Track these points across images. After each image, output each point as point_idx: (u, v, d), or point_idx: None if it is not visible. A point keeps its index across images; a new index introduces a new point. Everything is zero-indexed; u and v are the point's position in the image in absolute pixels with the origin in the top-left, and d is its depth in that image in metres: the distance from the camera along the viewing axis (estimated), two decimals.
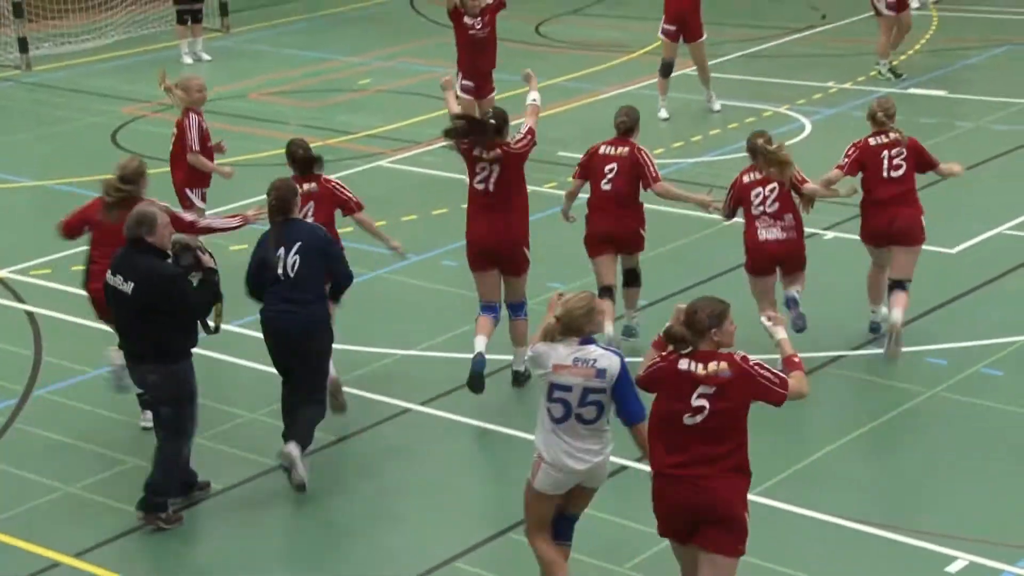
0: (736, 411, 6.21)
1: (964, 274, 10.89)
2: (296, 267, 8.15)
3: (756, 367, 6.26)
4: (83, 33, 20.40)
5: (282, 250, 8.20)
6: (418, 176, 14.01)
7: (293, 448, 8.13)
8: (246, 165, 14.53)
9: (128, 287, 7.61)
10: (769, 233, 9.46)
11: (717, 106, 15.39)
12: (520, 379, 9.56)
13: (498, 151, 9.20)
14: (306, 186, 9.32)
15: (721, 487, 6.17)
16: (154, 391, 7.87)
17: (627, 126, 9.91)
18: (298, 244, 8.18)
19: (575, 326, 6.59)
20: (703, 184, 13.12)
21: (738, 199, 9.62)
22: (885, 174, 9.62)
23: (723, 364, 6.23)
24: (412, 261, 11.74)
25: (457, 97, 11.34)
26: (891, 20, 16.24)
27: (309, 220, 8.97)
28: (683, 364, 6.27)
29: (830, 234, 11.79)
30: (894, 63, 16.48)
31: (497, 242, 9.24)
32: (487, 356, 9.17)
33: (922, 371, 9.36)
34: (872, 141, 9.76)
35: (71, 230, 9.06)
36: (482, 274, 9.40)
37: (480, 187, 9.29)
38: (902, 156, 9.64)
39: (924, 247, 9.84)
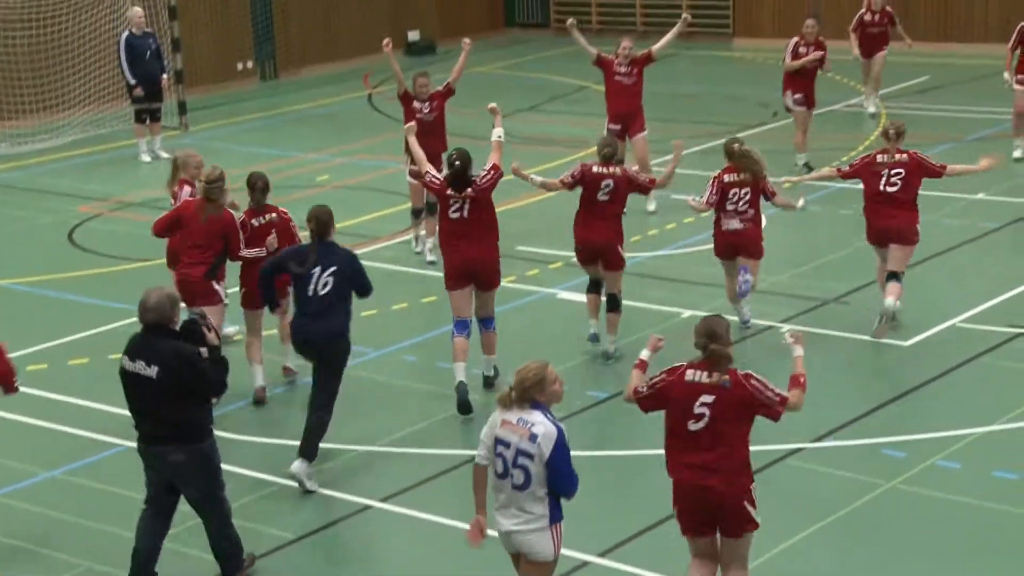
0: (736, 421, 7.06)
1: (919, 367, 11.00)
2: (328, 287, 9.43)
3: (756, 384, 7.12)
4: (40, 132, 20.44)
5: (317, 269, 9.48)
6: (377, 271, 14.00)
7: (298, 466, 9.37)
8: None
9: (152, 371, 7.81)
10: (730, 225, 11.55)
11: (652, 206, 15.54)
12: (490, 382, 10.93)
13: (469, 190, 10.58)
14: (267, 216, 11.06)
15: (728, 488, 7.05)
16: (178, 470, 7.98)
17: (611, 152, 11.43)
18: (333, 268, 9.49)
19: (527, 396, 6.87)
20: (666, 278, 13.24)
21: (720, 195, 11.44)
22: (881, 188, 11.54)
23: (726, 377, 7.06)
24: (372, 356, 11.75)
25: (412, 181, 13.17)
26: (803, 115, 16.81)
27: (274, 245, 10.80)
28: (689, 375, 7.15)
29: (786, 327, 11.90)
30: (808, 161, 16.79)
31: (474, 260, 10.52)
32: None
33: (879, 464, 9.43)
34: (879, 157, 11.69)
35: (162, 228, 10.84)
36: (459, 292, 10.62)
37: (455, 216, 10.66)
38: (900, 176, 11.53)
39: (880, 341, 10.70)
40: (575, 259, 11.88)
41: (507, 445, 6.81)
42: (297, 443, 9.51)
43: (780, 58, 17.43)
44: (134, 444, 8.16)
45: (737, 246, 11.59)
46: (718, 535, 7.25)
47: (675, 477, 7.23)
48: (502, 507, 6.91)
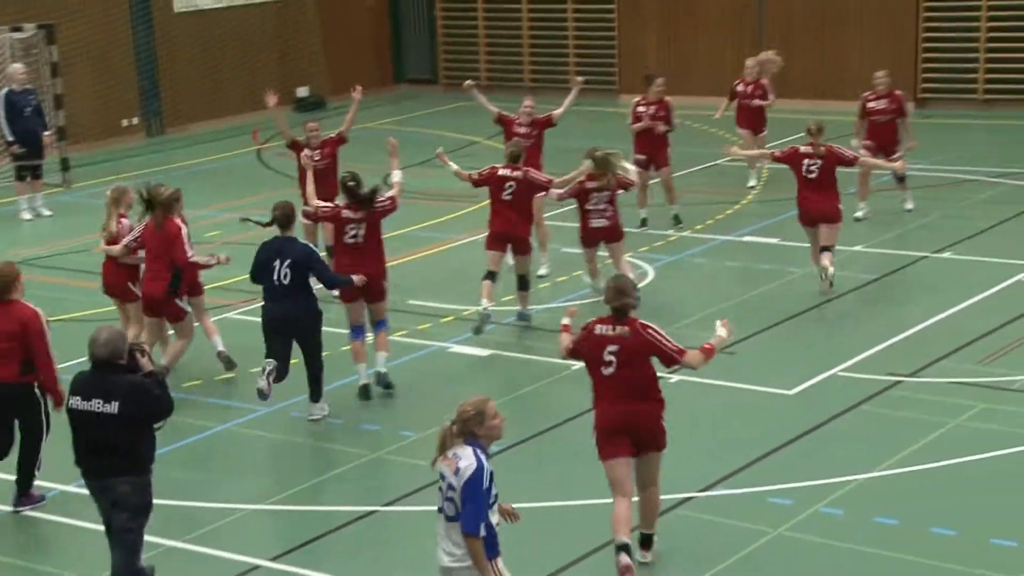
0: (639, 365, 8.51)
1: (802, 415, 11.21)
2: (287, 277, 11.15)
3: (653, 333, 8.56)
4: None
5: (277, 262, 11.21)
6: None
7: (314, 408, 11.52)
8: (90, 320, 14.36)
9: (112, 406, 7.99)
10: (597, 222, 13.42)
11: (542, 271, 15.57)
12: (383, 379, 11.98)
13: (363, 213, 11.83)
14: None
15: (643, 412, 8.56)
16: (122, 500, 8.16)
17: (516, 155, 13.38)
18: (289, 260, 11.14)
19: (464, 429, 7.11)
20: (551, 329, 13.34)
21: (580, 194, 13.37)
22: (804, 174, 14.08)
23: (626, 328, 8.53)
24: (260, 413, 11.69)
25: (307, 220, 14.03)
26: (644, 175, 16.41)
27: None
28: (598, 329, 8.59)
29: (675, 378, 12.06)
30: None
31: (371, 277, 11.77)
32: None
33: (767, 511, 9.58)
34: (801, 148, 14.18)
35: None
36: (354, 304, 12.00)
37: (351, 241, 11.90)
38: (817, 165, 14.01)
39: (763, 389, 11.26)
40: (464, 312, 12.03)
41: (443, 478, 7.03)
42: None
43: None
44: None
45: (602, 236, 13.62)
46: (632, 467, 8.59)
47: (599, 410, 8.61)
48: (440, 540, 7.05)
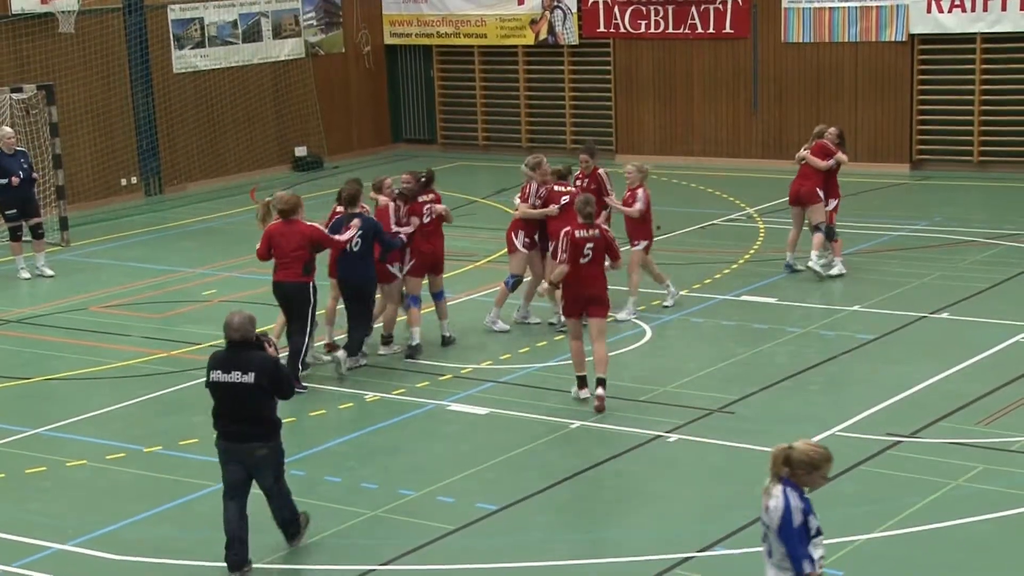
0: (603, 253, 12.62)
1: None
2: (358, 245, 13.63)
3: (611, 235, 12.79)
4: None
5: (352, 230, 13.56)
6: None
7: (341, 353, 13.75)
8: (88, 379, 14.34)
9: (250, 377, 9.38)
10: (584, 233, 13.28)
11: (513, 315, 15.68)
12: (449, 340, 14.94)
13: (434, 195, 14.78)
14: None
15: (601, 286, 12.61)
16: (263, 463, 9.56)
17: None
18: (359, 231, 13.59)
19: (775, 470, 7.20)
20: (556, 388, 13.34)
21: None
22: (797, 165, 17.13)
23: (596, 230, 12.60)
24: None
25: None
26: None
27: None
28: (578, 233, 12.53)
29: (673, 437, 12.04)
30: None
31: (436, 250, 14.64)
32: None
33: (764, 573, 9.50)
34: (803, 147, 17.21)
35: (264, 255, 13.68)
36: (418, 278, 14.62)
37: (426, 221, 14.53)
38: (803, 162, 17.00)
39: (763, 448, 10.55)
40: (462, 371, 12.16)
41: (765, 510, 7.14)
42: None
43: (660, 174, 17.72)
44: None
45: (586, 242, 13.88)
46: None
47: (570, 282, 12.50)
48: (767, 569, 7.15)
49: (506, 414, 12.78)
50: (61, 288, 18.23)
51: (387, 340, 14.76)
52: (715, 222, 20.69)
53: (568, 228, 12.66)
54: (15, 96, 21.57)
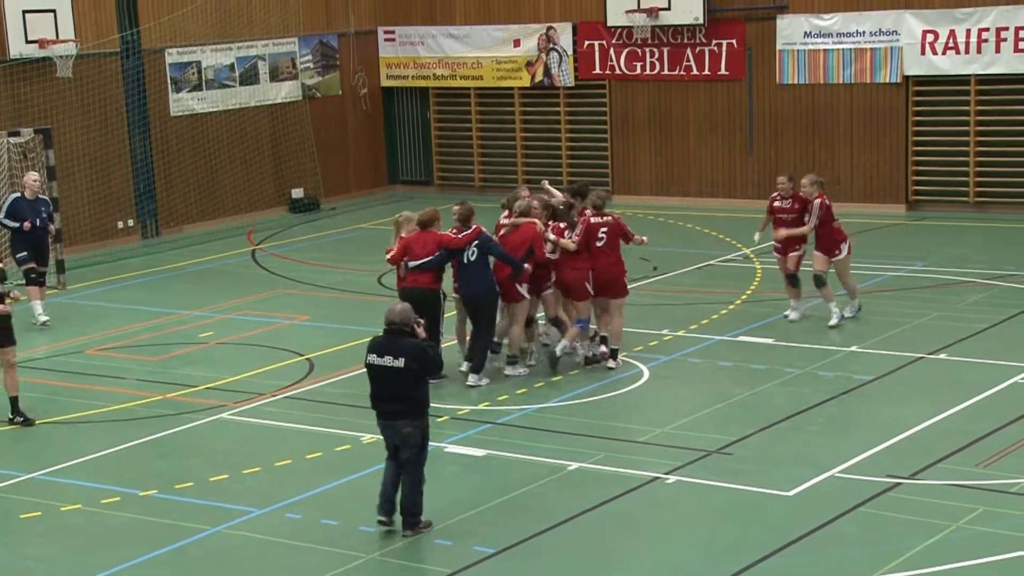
0: (616, 238, 15.09)
1: (801, 517, 11.09)
2: (474, 255, 14.56)
3: (624, 223, 15.21)
4: None
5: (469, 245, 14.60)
6: (261, 428, 13.89)
7: (473, 377, 14.71)
8: (85, 422, 14.26)
9: (400, 362, 10.60)
10: (598, 219, 15.24)
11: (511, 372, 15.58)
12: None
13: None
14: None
15: (617, 269, 15.04)
16: (408, 439, 10.69)
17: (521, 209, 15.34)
18: (476, 242, 14.59)
19: None
20: (554, 430, 13.28)
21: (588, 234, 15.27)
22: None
23: (609, 218, 15.07)
24: (255, 515, 11.55)
25: None
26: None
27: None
28: (593, 219, 14.96)
29: (672, 478, 11.97)
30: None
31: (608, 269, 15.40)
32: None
33: None
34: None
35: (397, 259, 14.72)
36: (585, 302, 15.40)
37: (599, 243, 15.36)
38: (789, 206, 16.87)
39: (761, 490, 11.17)
40: (459, 412, 12.35)
41: None
42: None
43: (657, 214, 17.71)
44: None
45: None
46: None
47: (591, 267, 14.91)
48: None
49: (504, 456, 12.70)
50: (58, 331, 18.15)
51: (512, 360, 15.07)
52: (712, 263, 20.66)
53: (586, 215, 15.12)
54: (12, 140, 21.56)
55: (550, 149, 27.52)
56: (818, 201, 16.50)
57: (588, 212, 15.37)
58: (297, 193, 27.17)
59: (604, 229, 15.14)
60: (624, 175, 26.62)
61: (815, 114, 24.88)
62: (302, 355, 16.46)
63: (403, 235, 14.92)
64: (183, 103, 25.46)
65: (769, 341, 16.22)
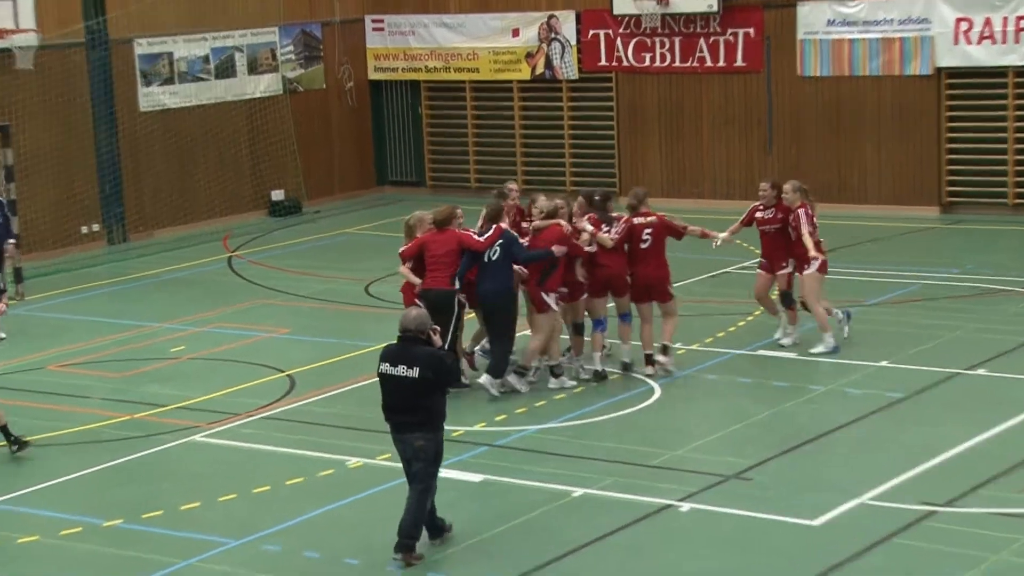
0: (662, 240, 15.34)
1: (828, 548, 10.99)
2: (496, 254, 14.73)
3: (668, 219, 15.51)
4: None
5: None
6: (237, 451, 13.81)
7: (485, 378, 14.86)
8: (45, 445, 14.17)
9: (414, 372, 10.67)
10: (642, 220, 15.54)
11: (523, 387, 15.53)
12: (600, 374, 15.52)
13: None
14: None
15: (662, 272, 15.38)
16: (420, 453, 10.79)
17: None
18: (501, 241, 14.77)
19: None
20: (557, 453, 13.20)
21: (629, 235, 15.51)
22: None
23: (653, 217, 15.32)
24: (231, 546, 11.45)
25: None
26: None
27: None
28: (637, 220, 15.25)
29: (685, 506, 11.87)
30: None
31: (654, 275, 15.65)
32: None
33: None
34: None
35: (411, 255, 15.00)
36: (601, 299, 15.54)
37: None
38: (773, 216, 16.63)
39: (784, 519, 11.18)
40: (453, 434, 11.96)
41: None
42: None
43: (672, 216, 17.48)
44: None
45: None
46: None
47: (633, 271, 15.20)
48: None
49: (502, 481, 12.62)
50: (16, 346, 18.05)
51: (520, 372, 15.13)
52: (728, 270, 20.60)
53: (628, 217, 15.38)
54: None
55: (552, 147, 27.48)
56: (801, 211, 16.06)
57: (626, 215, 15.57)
58: (277, 195, 27.12)
59: (649, 231, 15.35)
60: (632, 175, 26.53)
61: (839, 109, 24.84)
62: (282, 371, 16.41)
63: (418, 236, 15.12)
64: (153, 98, 25.40)
65: (792, 356, 16.15)
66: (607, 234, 15.22)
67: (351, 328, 18.14)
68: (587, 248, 15.18)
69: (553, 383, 15.18)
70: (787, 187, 16.25)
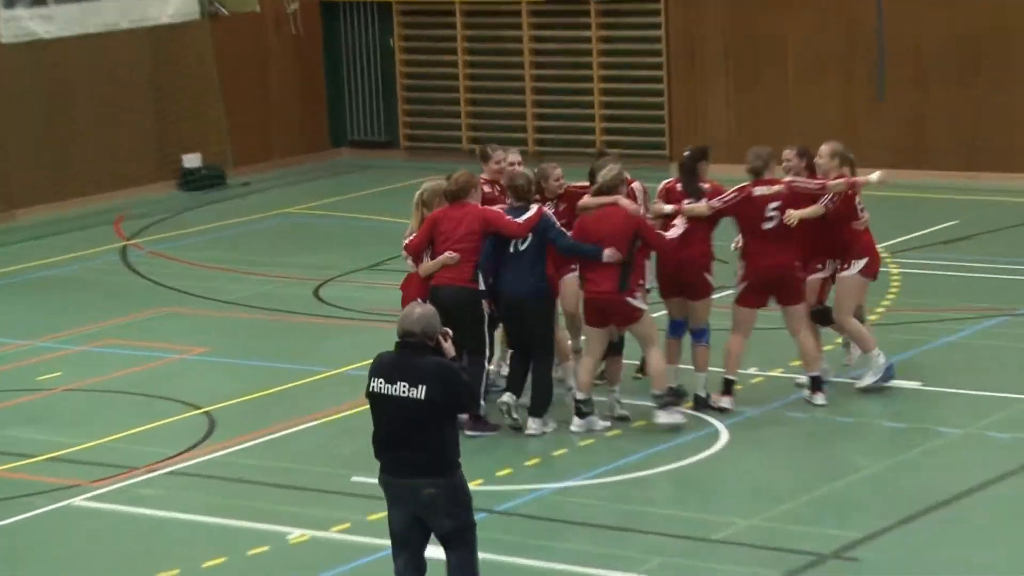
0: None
1: None
2: (524, 243, 14.96)
3: (798, 184, 15.24)
4: None
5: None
6: (133, 520, 13.78)
7: (533, 424, 15.10)
8: None
9: (420, 391, 10.44)
10: (764, 190, 15.47)
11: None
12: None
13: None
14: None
15: (791, 265, 15.29)
16: (431, 507, 10.55)
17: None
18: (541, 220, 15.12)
19: None
20: (582, 522, 13.17)
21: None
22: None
23: (781, 186, 15.09)
24: None
25: None
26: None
27: None
28: (758, 190, 15.16)
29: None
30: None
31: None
32: None
33: None
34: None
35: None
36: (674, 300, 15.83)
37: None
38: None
39: None
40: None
41: None
42: None
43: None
44: None
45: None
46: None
47: (747, 262, 15.36)
48: None
49: (507, 563, 12.57)
50: None
51: (582, 411, 15.13)
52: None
53: (744, 185, 15.37)
54: None
55: (575, 94, 27.48)
56: (841, 181, 15.55)
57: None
58: (191, 160, 27.17)
59: (775, 204, 15.27)
60: (688, 132, 26.55)
61: (979, 42, 24.82)
62: (198, 408, 16.41)
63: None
64: (18, 24, 25.49)
65: (914, 385, 16.16)
66: (699, 205, 15.23)
67: (295, 347, 18.18)
68: (670, 235, 15.15)
69: (577, 425, 15.12)
70: (824, 150, 15.84)
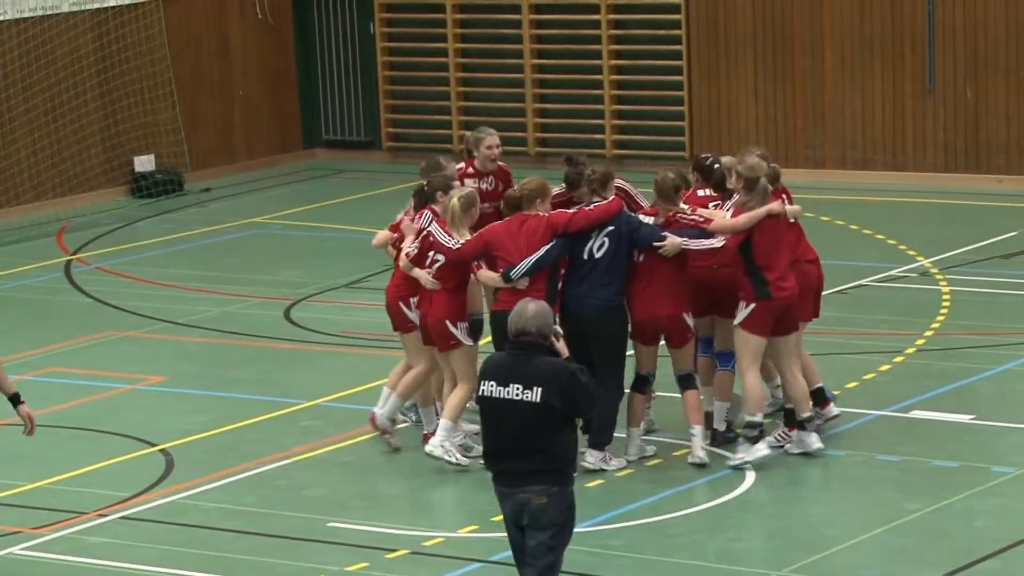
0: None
1: None
2: (602, 248, 14.80)
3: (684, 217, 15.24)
4: None
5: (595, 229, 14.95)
6: (80, 572, 13.82)
7: (592, 456, 14.98)
8: None
9: (534, 394, 10.79)
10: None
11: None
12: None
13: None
14: None
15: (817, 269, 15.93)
16: (537, 516, 10.91)
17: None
18: (610, 228, 14.80)
19: None
20: (591, 574, 13.32)
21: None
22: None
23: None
24: None
25: None
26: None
27: None
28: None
29: None
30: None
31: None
32: None
33: None
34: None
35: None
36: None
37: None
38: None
39: None
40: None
41: None
42: None
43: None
44: None
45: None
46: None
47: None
48: None
49: None
50: None
51: (809, 424, 15.21)
52: (865, 282, 20.75)
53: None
54: None
55: (584, 87, 27.56)
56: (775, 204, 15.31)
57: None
58: (144, 163, 27.21)
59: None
60: (711, 131, 26.69)
61: None
62: (153, 445, 16.48)
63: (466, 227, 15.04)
64: None
65: (966, 419, 16.24)
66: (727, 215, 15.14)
67: (262, 376, 18.25)
68: (715, 243, 15.05)
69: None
70: (726, 161, 15.67)
